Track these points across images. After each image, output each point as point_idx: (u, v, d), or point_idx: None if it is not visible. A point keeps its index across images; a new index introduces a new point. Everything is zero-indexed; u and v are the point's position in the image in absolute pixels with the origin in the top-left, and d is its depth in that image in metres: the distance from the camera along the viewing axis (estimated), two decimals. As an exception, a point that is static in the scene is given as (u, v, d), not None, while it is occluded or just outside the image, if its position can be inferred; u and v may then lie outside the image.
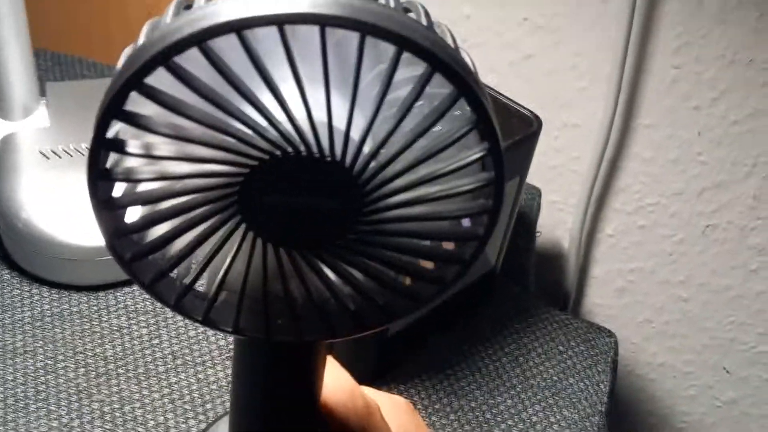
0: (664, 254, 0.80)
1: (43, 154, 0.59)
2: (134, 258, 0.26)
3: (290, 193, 0.24)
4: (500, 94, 0.56)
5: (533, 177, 0.80)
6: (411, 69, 0.24)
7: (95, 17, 0.93)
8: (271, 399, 0.33)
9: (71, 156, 0.60)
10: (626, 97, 0.73)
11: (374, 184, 0.24)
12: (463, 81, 0.23)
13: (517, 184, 0.56)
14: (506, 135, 0.52)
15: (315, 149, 0.23)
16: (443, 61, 0.22)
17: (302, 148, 0.23)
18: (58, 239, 0.56)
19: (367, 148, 0.23)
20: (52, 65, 0.79)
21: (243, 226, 0.24)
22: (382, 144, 0.23)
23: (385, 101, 0.23)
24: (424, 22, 0.23)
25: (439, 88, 0.24)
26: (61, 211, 0.57)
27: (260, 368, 0.32)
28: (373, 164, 0.23)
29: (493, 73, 0.79)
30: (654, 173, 0.76)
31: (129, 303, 0.58)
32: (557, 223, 0.85)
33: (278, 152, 0.23)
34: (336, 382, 0.36)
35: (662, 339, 0.85)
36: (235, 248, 0.25)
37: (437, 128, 0.24)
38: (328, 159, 0.23)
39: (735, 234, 0.75)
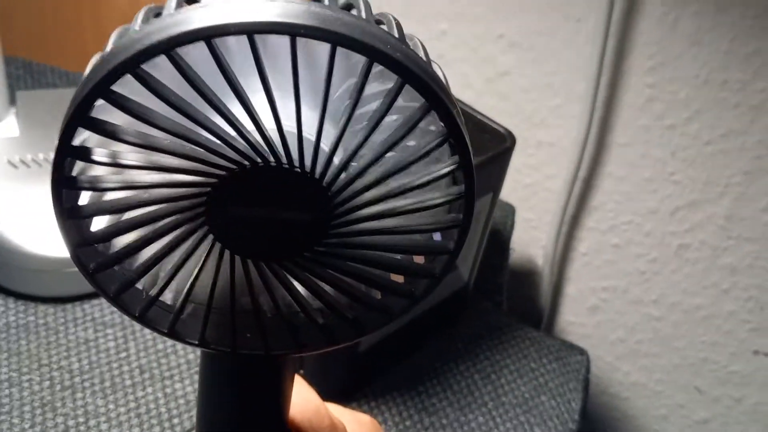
0: (637, 273, 0.80)
1: (12, 164, 0.59)
2: (99, 268, 0.25)
3: (259, 204, 0.23)
4: (474, 110, 0.56)
5: (508, 194, 0.80)
6: (383, 82, 0.24)
7: (68, 25, 0.92)
8: (238, 415, 0.32)
9: (40, 166, 0.59)
10: (601, 116, 0.73)
11: (344, 196, 0.23)
12: (434, 94, 0.23)
13: (490, 201, 0.56)
14: (480, 151, 0.52)
15: (284, 160, 0.22)
16: (414, 73, 0.22)
17: (271, 158, 0.22)
18: (26, 250, 0.55)
19: (337, 160, 0.23)
20: (24, 73, 0.78)
21: (210, 237, 0.24)
22: (353, 155, 0.23)
23: (357, 114, 0.23)
24: (395, 34, 0.23)
25: (411, 101, 0.24)
26: (29, 221, 0.56)
27: (226, 383, 0.31)
28: (343, 176, 0.23)
29: (470, 89, 0.79)
30: (628, 192, 0.76)
31: (96, 315, 0.57)
32: (531, 241, 0.85)
33: (247, 163, 0.22)
34: (302, 400, 0.36)
35: (635, 358, 0.85)
36: (202, 259, 0.25)
37: (413, 143, 0.24)
38: (298, 170, 0.23)
39: (707, 254, 0.75)
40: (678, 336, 0.81)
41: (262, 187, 0.23)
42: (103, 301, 0.58)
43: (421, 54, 0.23)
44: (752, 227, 0.72)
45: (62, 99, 0.64)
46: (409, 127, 0.23)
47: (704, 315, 0.79)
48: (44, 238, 0.56)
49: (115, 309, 0.58)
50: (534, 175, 0.81)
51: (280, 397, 0.32)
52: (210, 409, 0.32)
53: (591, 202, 0.79)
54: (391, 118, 0.24)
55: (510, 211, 0.74)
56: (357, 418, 0.40)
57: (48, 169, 0.58)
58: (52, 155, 0.60)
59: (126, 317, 0.57)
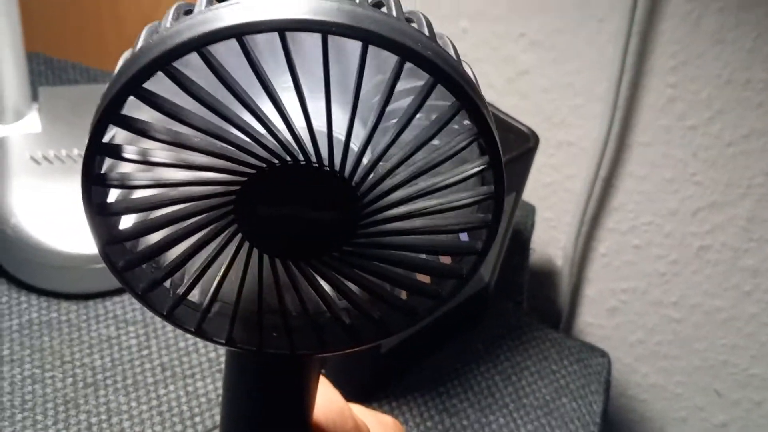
0: (657, 274, 0.80)
1: (35, 160, 0.59)
2: (127, 266, 0.25)
3: (287, 203, 0.23)
4: (498, 109, 0.56)
5: (528, 194, 0.79)
6: (412, 80, 0.24)
7: (89, 21, 0.92)
8: (262, 414, 0.32)
9: (63, 162, 0.59)
10: (622, 115, 0.73)
11: (372, 196, 0.23)
12: (465, 93, 0.22)
13: (513, 200, 0.56)
14: (504, 150, 0.52)
15: (314, 159, 0.22)
16: (445, 72, 0.22)
17: (301, 157, 0.22)
18: (48, 246, 0.55)
19: (366, 159, 0.23)
20: (45, 69, 0.78)
21: (239, 236, 0.24)
22: (382, 155, 0.23)
23: (386, 112, 0.23)
24: (426, 32, 0.23)
25: (440, 100, 0.23)
26: (51, 217, 0.56)
27: (252, 382, 0.31)
28: (372, 176, 0.23)
29: (490, 88, 0.78)
30: (648, 192, 0.76)
31: (119, 312, 0.58)
32: (551, 241, 0.84)
33: (276, 161, 0.22)
34: (326, 401, 0.36)
35: (654, 360, 0.85)
36: (230, 258, 0.25)
37: (437, 142, 0.24)
38: (327, 169, 0.23)
39: (728, 255, 0.75)
40: (698, 338, 0.81)
41: (291, 186, 0.23)
42: (125, 298, 0.58)
43: (452, 52, 0.23)
44: (775, 229, 0.72)
45: (84, 95, 0.64)
46: (439, 127, 0.23)
47: (725, 317, 0.78)
48: (67, 235, 0.56)
49: (136, 306, 0.58)
50: (554, 175, 0.80)
51: (305, 396, 0.32)
52: (234, 407, 0.32)
53: (611, 202, 0.78)
54: (418, 116, 0.24)
55: (530, 210, 0.74)
56: (379, 419, 0.40)
57: (70, 165, 0.58)
58: (75, 151, 0.61)
59: (148, 315, 0.57)
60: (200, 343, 0.57)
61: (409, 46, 0.21)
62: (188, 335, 0.56)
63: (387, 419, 0.41)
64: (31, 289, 0.58)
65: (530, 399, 0.61)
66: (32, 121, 0.62)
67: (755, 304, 0.76)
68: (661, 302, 0.81)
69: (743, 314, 0.77)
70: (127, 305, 0.58)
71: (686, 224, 0.75)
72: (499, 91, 0.78)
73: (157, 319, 0.58)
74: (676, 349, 0.83)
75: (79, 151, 0.60)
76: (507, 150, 0.52)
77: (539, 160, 0.79)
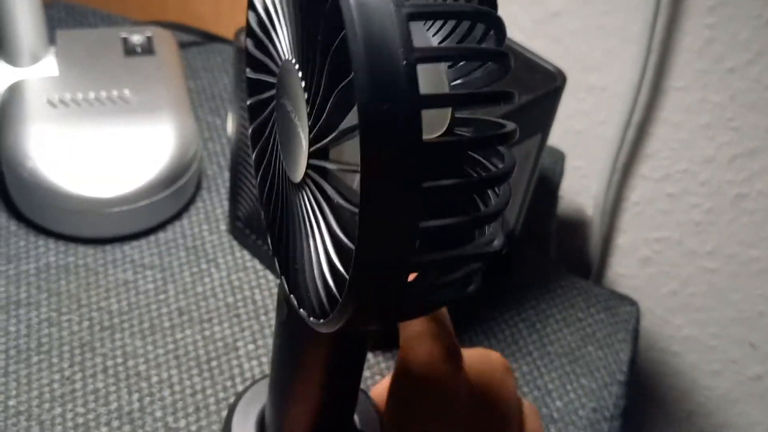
0: (691, 223, 0.78)
1: (51, 103, 0.58)
2: None
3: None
4: (524, 48, 0.54)
5: (558, 141, 0.77)
6: None
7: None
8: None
9: (79, 105, 0.58)
10: (656, 59, 0.71)
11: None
12: None
13: (539, 143, 0.54)
14: (528, 90, 0.50)
15: None
16: None
17: None
18: (65, 190, 0.55)
19: None
20: (66, 15, 0.77)
21: None
22: None
23: None
24: None
25: None
26: (68, 161, 0.56)
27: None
28: None
29: (518, 31, 0.76)
30: (683, 139, 0.74)
31: (136, 257, 0.57)
32: (581, 190, 0.82)
33: None
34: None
35: (687, 311, 0.83)
36: None
37: None
38: None
39: (765, 204, 0.73)
40: (733, 289, 0.79)
41: None
42: (142, 242, 0.58)
43: None
44: (814, 176, 0.69)
45: (102, 38, 0.63)
46: None
47: (761, 267, 0.76)
48: (84, 179, 0.55)
49: (154, 251, 0.57)
50: (585, 121, 0.78)
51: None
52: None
53: (644, 149, 0.76)
54: None
55: (559, 157, 0.72)
56: (484, 355, 0.38)
57: (87, 108, 0.58)
58: (91, 94, 0.60)
59: (165, 259, 0.57)
60: (218, 287, 0.56)
61: None
62: (206, 280, 0.55)
63: (493, 357, 0.39)
64: (48, 233, 0.57)
65: (555, 347, 0.60)
66: (49, 64, 0.61)
67: (793, 254, 0.74)
68: (696, 252, 0.79)
69: (780, 265, 0.75)
70: (145, 249, 0.57)
71: (723, 172, 0.73)
72: (528, 34, 0.76)
73: (175, 263, 0.57)
74: (711, 300, 0.81)
75: (95, 95, 0.59)
76: (532, 89, 0.50)
77: (569, 105, 0.77)
